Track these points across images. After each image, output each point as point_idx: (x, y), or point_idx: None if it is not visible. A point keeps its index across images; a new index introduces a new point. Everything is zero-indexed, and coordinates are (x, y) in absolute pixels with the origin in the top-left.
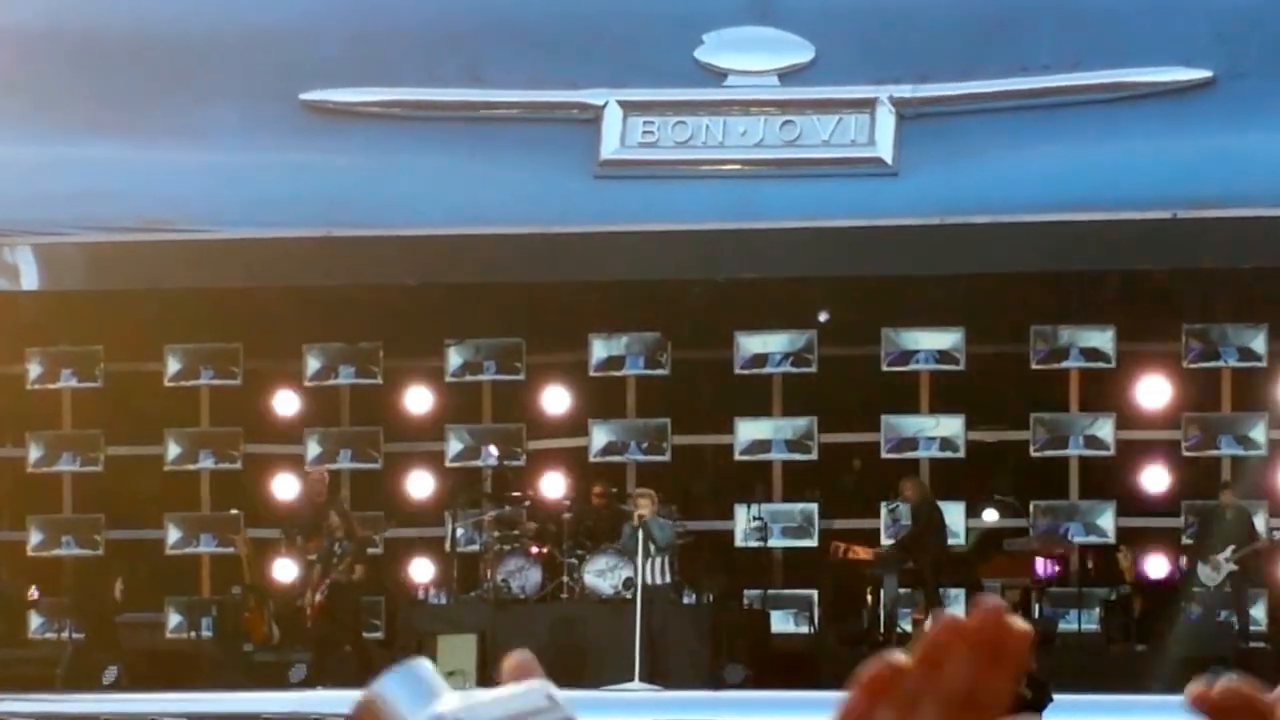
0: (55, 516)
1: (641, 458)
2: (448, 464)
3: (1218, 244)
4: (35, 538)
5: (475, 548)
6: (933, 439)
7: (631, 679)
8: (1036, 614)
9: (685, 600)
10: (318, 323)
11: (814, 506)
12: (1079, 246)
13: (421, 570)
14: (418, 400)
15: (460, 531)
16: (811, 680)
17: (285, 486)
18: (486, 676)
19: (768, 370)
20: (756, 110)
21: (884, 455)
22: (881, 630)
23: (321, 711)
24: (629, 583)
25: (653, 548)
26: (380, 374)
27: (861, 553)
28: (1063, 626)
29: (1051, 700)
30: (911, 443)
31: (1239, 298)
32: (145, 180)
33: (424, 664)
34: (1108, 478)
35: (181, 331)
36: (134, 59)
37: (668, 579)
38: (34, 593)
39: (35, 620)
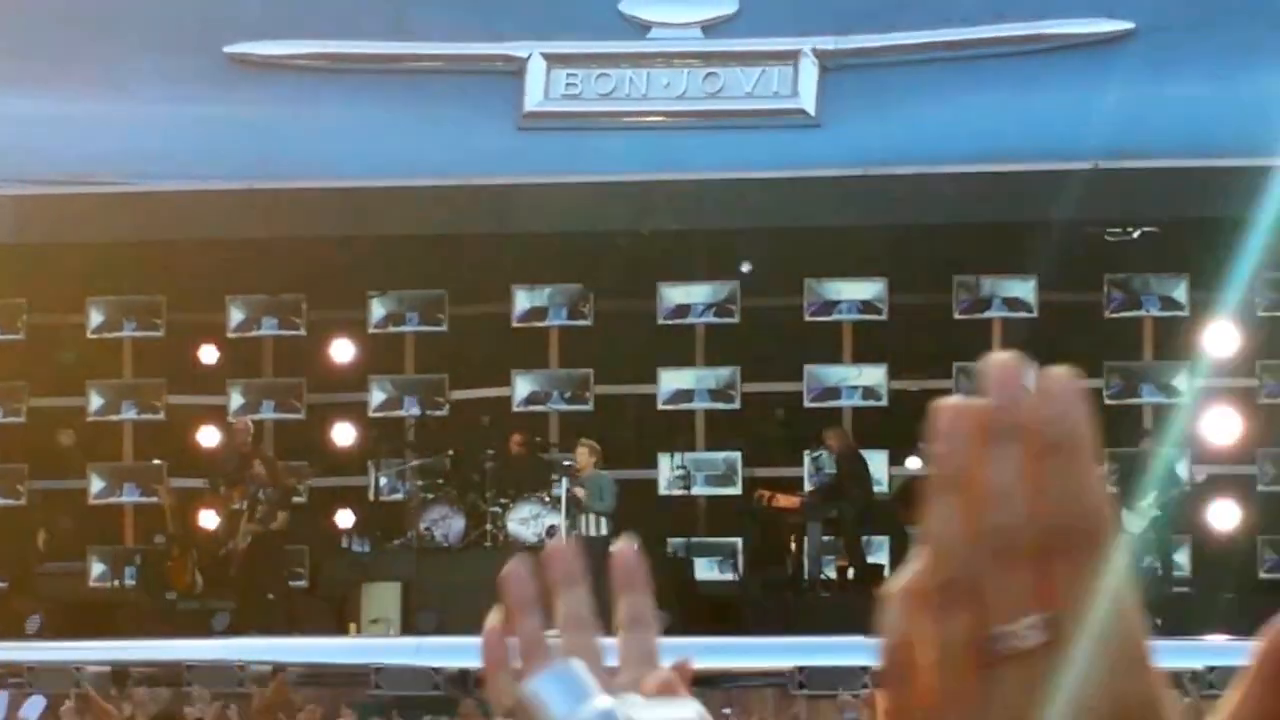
0: None
1: (564, 407)
2: (370, 414)
3: (1139, 194)
4: None
5: (398, 497)
6: (855, 388)
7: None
8: None
9: (610, 548)
10: (240, 274)
11: (737, 455)
12: (1001, 197)
13: (345, 519)
14: (340, 351)
15: (383, 481)
16: (735, 626)
17: (208, 437)
18: (410, 624)
19: (690, 320)
20: (680, 62)
21: (807, 404)
22: (805, 577)
23: (245, 659)
24: (552, 530)
25: (601, 500)
26: (303, 325)
27: (785, 501)
28: None
29: None
30: (834, 392)
31: (1160, 247)
32: (67, 133)
33: (576, 663)
34: None
35: (104, 284)
36: (55, 12)
37: (605, 531)
38: None
39: None
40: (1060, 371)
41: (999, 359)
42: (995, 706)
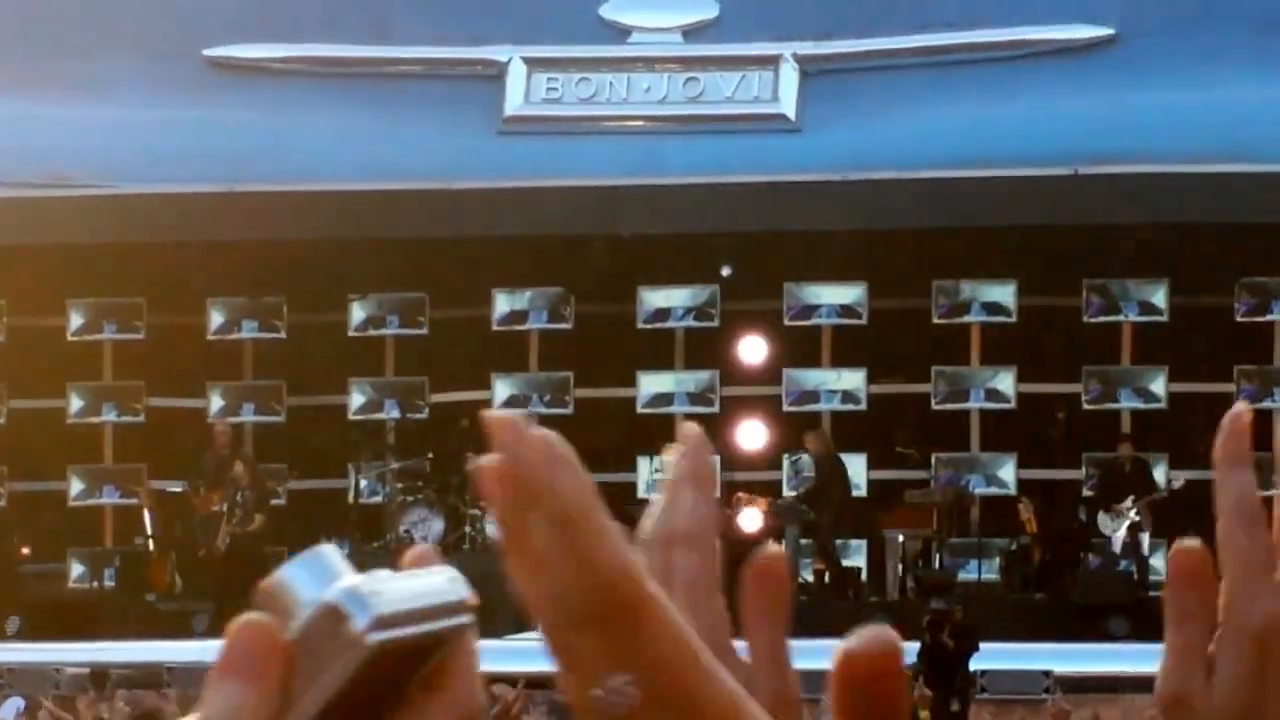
0: None
1: (544, 410)
2: (351, 417)
3: (1118, 199)
4: None
5: (378, 499)
6: (834, 392)
7: (534, 629)
8: (937, 564)
9: None
10: (221, 277)
11: (716, 458)
12: (981, 202)
13: (324, 522)
14: (321, 354)
15: (363, 483)
16: None
17: (188, 439)
18: None
19: (670, 324)
20: (660, 67)
21: (786, 408)
22: None
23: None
24: None
25: None
26: (283, 328)
27: (763, 504)
28: (963, 576)
29: (978, 649)
30: (813, 395)
31: (1139, 252)
32: (47, 136)
33: (327, 549)
34: (1009, 430)
35: (84, 286)
36: (35, 14)
37: None
38: None
39: None
40: (539, 438)
41: (497, 419)
42: None
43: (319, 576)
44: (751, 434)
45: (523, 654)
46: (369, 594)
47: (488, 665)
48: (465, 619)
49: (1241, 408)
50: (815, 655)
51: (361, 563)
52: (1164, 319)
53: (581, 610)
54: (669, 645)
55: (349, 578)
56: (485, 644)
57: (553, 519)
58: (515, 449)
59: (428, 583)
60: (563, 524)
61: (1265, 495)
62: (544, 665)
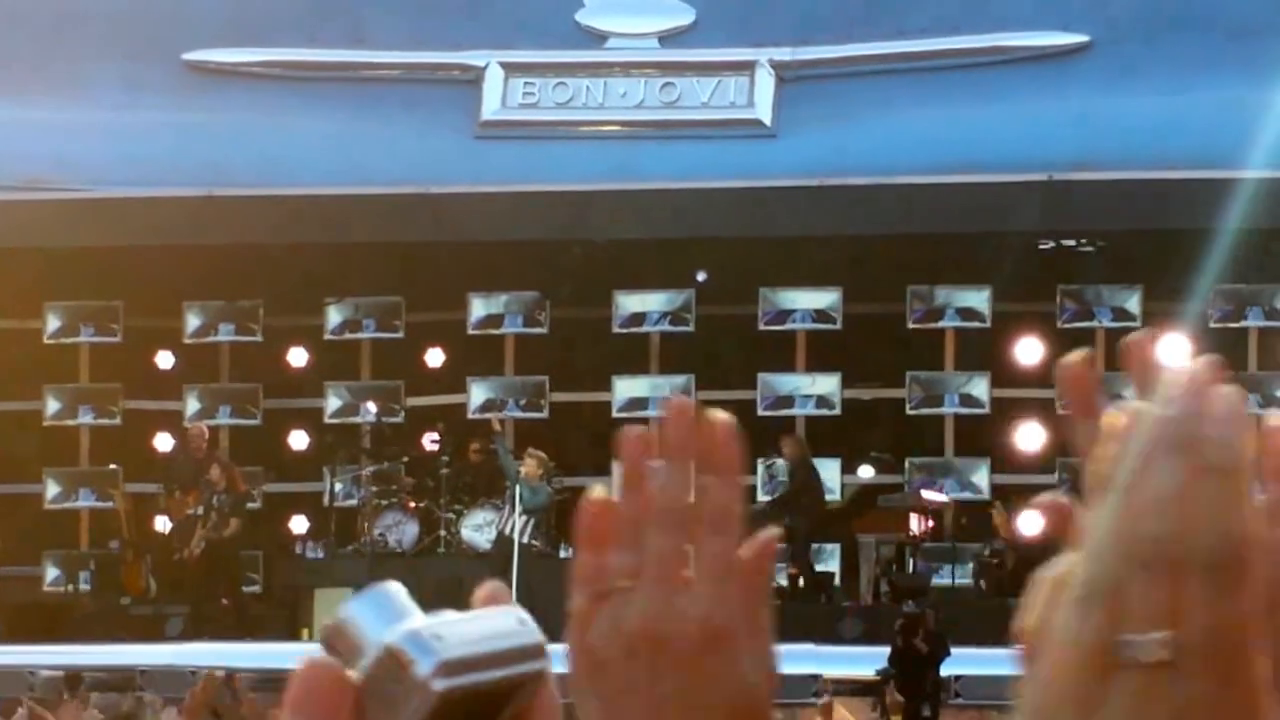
0: None
1: (520, 414)
2: (326, 420)
3: (1092, 206)
4: None
5: (353, 502)
6: (809, 397)
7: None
8: (911, 569)
9: (562, 555)
10: (198, 281)
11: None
12: (955, 208)
13: (299, 525)
14: (297, 357)
15: (338, 486)
16: None
17: (164, 442)
18: None
19: (645, 329)
20: (637, 72)
21: (760, 413)
22: None
23: (198, 664)
24: (505, 530)
25: (520, 507)
26: (260, 331)
27: None
28: (936, 581)
29: (949, 654)
30: (788, 400)
31: (1113, 259)
32: (26, 139)
33: (393, 585)
34: (983, 435)
35: (62, 289)
36: (15, 18)
37: (527, 539)
38: None
39: None
40: (1230, 392)
41: (1190, 369)
42: (1106, 710)
43: (384, 615)
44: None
45: None
46: (432, 638)
47: None
48: (539, 664)
49: (1072, 358)
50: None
51: (336, 565)
52: (1138, 325)
53: (1185, 559)
54: (1236, 620)
55: (414, 618)
56: None
57: (1205, 467)
58: (1194, 401)
59: (496, 625)
60: (1215, 474)
61: None
62: None
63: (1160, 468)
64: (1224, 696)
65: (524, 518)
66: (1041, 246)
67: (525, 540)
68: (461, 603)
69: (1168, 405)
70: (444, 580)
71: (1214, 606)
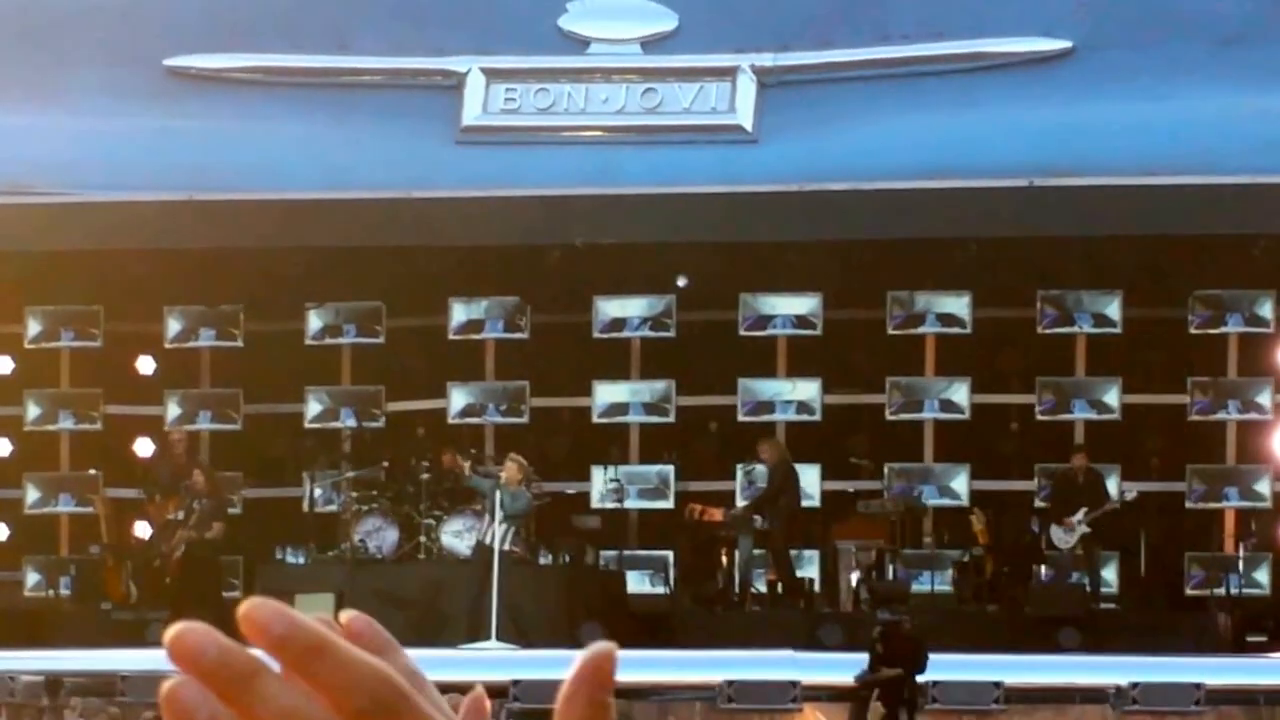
0: None
1: (500, 420)
2: (307, 425)
3: (1073, 212)
4: None
5: (333, 508)
6: (789, 402)
7: (488, 638)
8: (890, 575)
9: (541, 561)
10: (179, 285)
11: (670, 469)
12: (936, 213)
13: (280, 530)
14: (277, 362)
15: (319, 492)
16: (667, 640)
17: (145, 447)
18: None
19: (626, 334)
20: (619, 78)
21: (741, 418)
22: (736, 590)
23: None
24: (484, 536)
25: (500, 514)
26: (240, 336)
27: (716, 514)
28: (916, 587)
29: (928, 660)
30: (768, 406)
31: (1094, 264)
32: (7, 143)
33: None
34: (962, 441)
35: (42, 293)
36: None
37: (509, 545)
38: None
39: None
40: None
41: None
42: None
43: None
44: (706, 444)
45: (477, 663)
46: None
47: (442, 674)
48: None
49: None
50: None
51: (317, 571)
52: (1118, 331)
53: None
54: None
55: None
56: (440, 653)
57: (298, 655)
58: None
59: None
60: (310, 654)
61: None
62: (499, 674)
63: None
64: None
65: (504, 525)
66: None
67: (506, 547)
68: (441, 608)
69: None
70: (424, 586)
71: None
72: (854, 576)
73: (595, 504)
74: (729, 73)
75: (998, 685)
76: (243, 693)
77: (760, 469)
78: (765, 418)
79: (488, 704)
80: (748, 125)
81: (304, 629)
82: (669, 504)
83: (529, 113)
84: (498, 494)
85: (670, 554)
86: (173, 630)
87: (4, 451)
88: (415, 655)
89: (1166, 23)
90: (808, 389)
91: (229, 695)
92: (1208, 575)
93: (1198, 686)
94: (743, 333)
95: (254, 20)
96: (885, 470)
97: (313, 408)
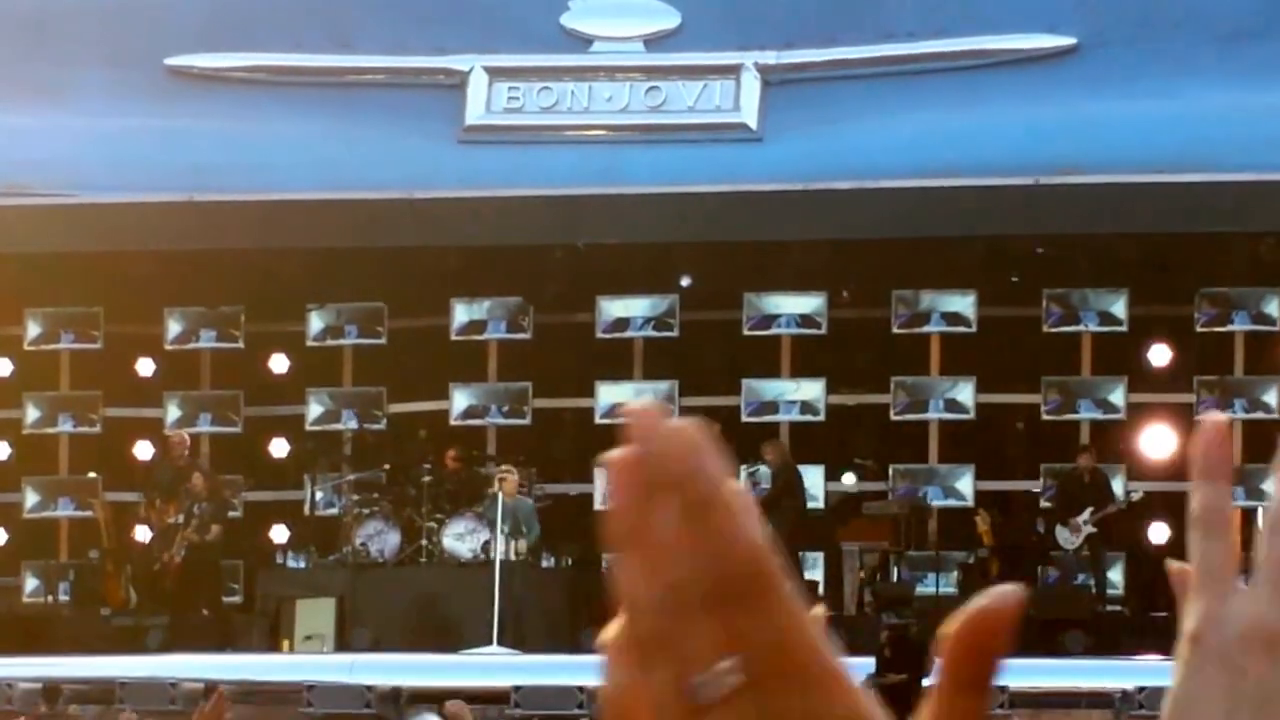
0: None
1: (502, 421)
2: (308, 427)
3: (1078, 210)
4: None
5: (334, 511)
6: (793, 402)
7: (490, 643)
8: (895, 577)
9: (544, 564)
10: (179, 286)
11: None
12: (941, 212)
13: (280, 534)
14: (278, 364)
15: (320, 495)
16: None
17: (145, 450)
18: (344, 641)
19: (629, 334)
20: (622, 76)
21: (744, 419)
22: None
23: (178, 676)
24: (488, 546)
25: (521, 529)
26: (241, 338)
27: None
28: (920, 589)
29: (934, 664)
30: (772, 406)
31: (1099, 263)
32: (7, 144)
33: None
34: (967, 441)
35: (42, 295)
36: None
37: (524, 555)
38: None
39: None
40: (680, 426)
41: (636, 408)
42: None
43: None
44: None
45: (479, 668)
46: None
47: (443, 679)
48: None
49: (1219, 417)
50: None
51: (318, 575)
52: (1124, 329)
53: (709, 593)
54: (791, 624)
55: None
56: (441, 658)
57: (690, 504)
58: (651, 439)
59: None
60: (701, 507)
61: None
62: (500, 679)
63: (657, 511)
64: (811, 698)
65: (512, 537)
66: (1027, 250)
67: (511, 557)
68: (443, 611)
69: (635, 446)
70: (426, 589)
71: (759, 627)
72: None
73: (600, 505)
74: (733, 70)
75: (1003, 690)
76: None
77: (764, 470)
78: (769, 418)
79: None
80: (752, 123)
81: (709, 475)
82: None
83: (532, 111)
84: (498, 509)
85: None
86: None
87: (3, 455)
88: (416, 660)
89: (1171, 19)
90: (812, 389)
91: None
92: None
93: None
94: (746, 332)
95: (256, 19)
96: (890, 471)
97: (314, 409)
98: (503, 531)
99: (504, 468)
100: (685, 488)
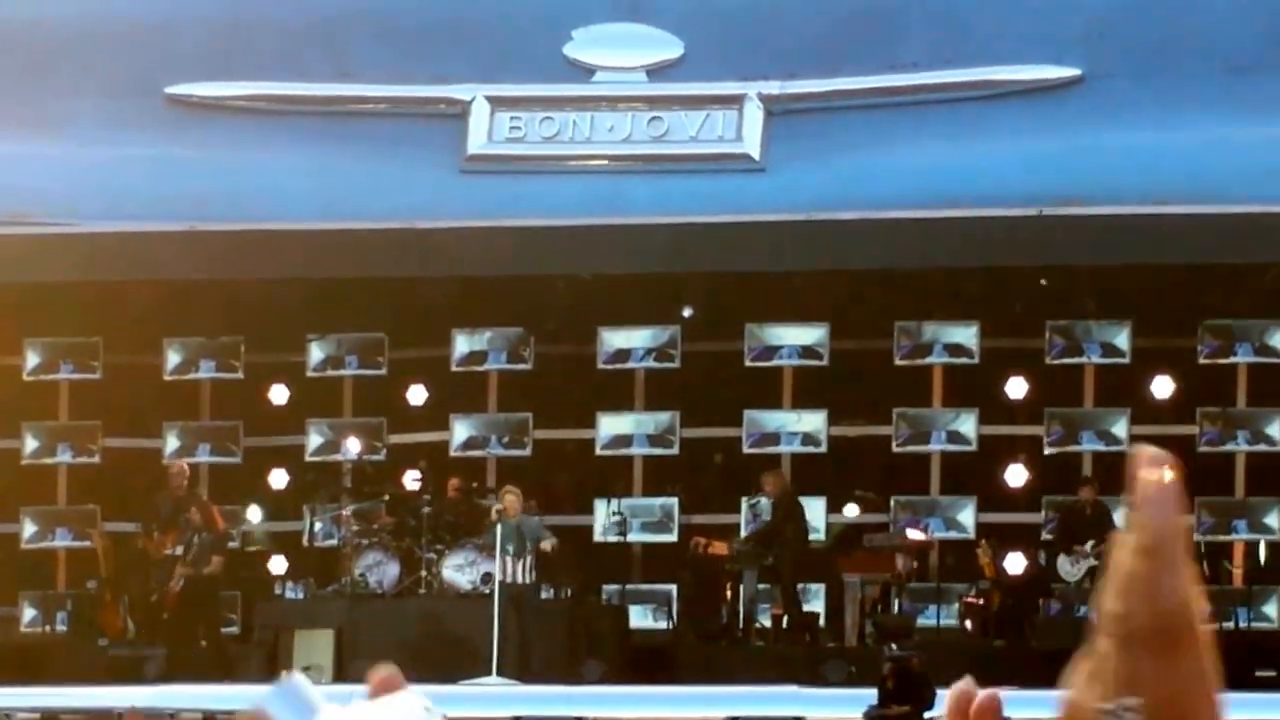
0: None
1: (502, 452)
2: (308, 458)
3: (1082, 241)
4: None
5: (334, 542)
6: (795, 434)
7: (489, 674)
8: (896, 609)
9: (544, 595)
10: (179, 316)
11: (674, 501)
12: (944, 243)
13: (279, 564)
14: (278, 394)
15: (319, 526)
16: (669, 675)
17: (144, 480)
18: (343, 672)
19: (630, 365)
20: (624, 106)
21: (746, 450)
22: (740, 626)
23: (176, 707)
24: (487, 578)
25: (526, 545)
26: (241, 368)
27: (720, 548)
28: (921, 621)
29: (936, 696)
30: (774, 437)
31: (1103, 294)
32: (6, 173)
33: (299, 679)
34: (969, 473)
35: (42, 325)
36: None
37: (531, 577)
38: None
39: None
40: (1160, 476)
41: (1148, 455)
42: None
43: (295, 708)
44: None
45: (478, 699)
46: None
47: (443, 710)
48: None
49: (1155, 454)
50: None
51: (316, 606)
52: (1127, 361)
53: (1137, 631)
54: (1193, 684)
55: (322, 712)
56: (446, 689)
57: (1139, 549)
58: (1139, 483)
59: (402, 714)
60: (1145, 554)
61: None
62: (500, 710)
63: (1117, 550)
64: None
65: (518, 557)
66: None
67: (519, 580)
68: (442, 643)
69: (1133, 488)
70: (425, 620)
71: (1163, 674)
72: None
73: (599, 537)
74: (736, 100)
75: None
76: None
77: (765, 502)
78: (771, 449)
79: None
80: (755, 154)
81: (1168, 527)
82: (672, 537)
83: (534, 141)
84: (498, 528)
85: (673, 588)
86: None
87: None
88: (416, 691)
89: (1175, 51)
90: (814, 420)
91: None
92: (1216, 608)
93: None
94: (748, 363)
95: (256, 47)
96: (891, 503)
97: (314, 440)
98: (505, 552)
99: (506, 487)
100: (1148, 530)
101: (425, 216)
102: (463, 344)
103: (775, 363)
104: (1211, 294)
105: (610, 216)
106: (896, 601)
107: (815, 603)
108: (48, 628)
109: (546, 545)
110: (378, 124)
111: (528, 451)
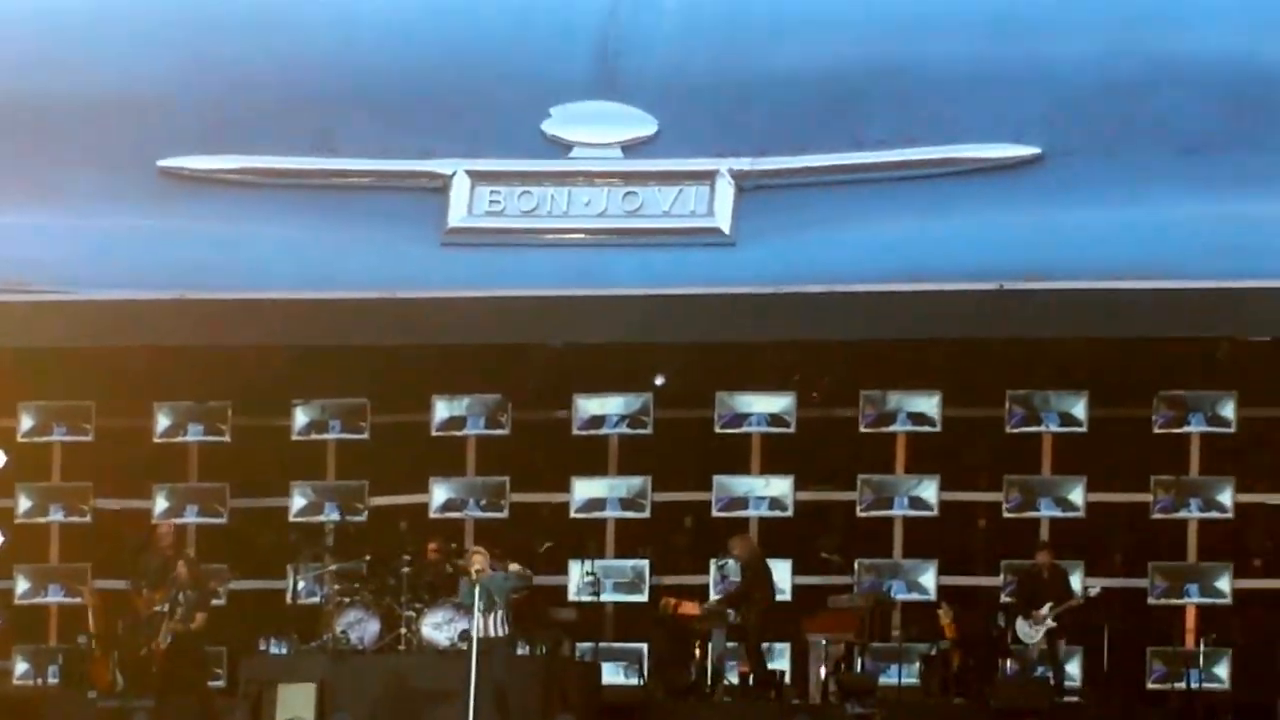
0: None
1: (480, 514)
2: (291, 519)
3: (1041, 315)
4: None
5: (316, 600)
6: (763, 498)
7: None
8: (859, 667)
9: (519, 652)
10: (168, 382)
11: (645, 563)
12: (908, 315)
13: (263, 622)
14: (264, 457)
15: (302, 584)
16: None
17: (133, 540)
18: None
19: (605, 431)
20: (600, 181)
21: (715, 514)
22: (709, 683)
23: None
24: (465, 635)
25: (496, 601)
26: (228, 432)
27: (689, 608)
28: (883, 680)
29: None
30: (742, 502)
31: (1061, 366)
32: (3, 242)
33: None
34: (931, 537)
35: (36, 388)
36: None
37: (505, 630)
38: None
39: None
40: None
41: None
42: None
43: None
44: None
45: None
46: None
47: None
48: None
49: None
50: None
51: (299, 661)
52: (1084, 430)
53: None
54: None
55: None
56: None
57: None
58: None
59: None
60: None
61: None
62: None
63: None
64: None
65: (491, 612)
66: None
67: (494, 634)
68: (420, 699)
69: None
70: (404, 676)
71: None
72: (822, 670)
73: (572, 597)
74: (708, 176)
75: None
76: None
77: (733, 564)
78: (739, 513)
79: None
80: (725, 228)
81: None
82: (643, 597)
83: (513, 215)
84: (474, 590)
85: (644, 646)
86: None
87: None
88: None
89: (1134, 130)
90: (781, 485)
91: None
92: (1169, 670)
93: None
94: (718, 430)
95: (246, 122)
96: (855, 565)
97: (298, 501)
98: (479, 610)
99: (473, 548)
100: None
101: (407, 287)
102: (442, 410)
103: (744, 430)
104: (1166, 366)
105: (586, 288)
106: (860, 660)
107: (781, 661)
108: (39, 681)
109: (516, 595)
110: (362, 198)
111: (505, 514)
